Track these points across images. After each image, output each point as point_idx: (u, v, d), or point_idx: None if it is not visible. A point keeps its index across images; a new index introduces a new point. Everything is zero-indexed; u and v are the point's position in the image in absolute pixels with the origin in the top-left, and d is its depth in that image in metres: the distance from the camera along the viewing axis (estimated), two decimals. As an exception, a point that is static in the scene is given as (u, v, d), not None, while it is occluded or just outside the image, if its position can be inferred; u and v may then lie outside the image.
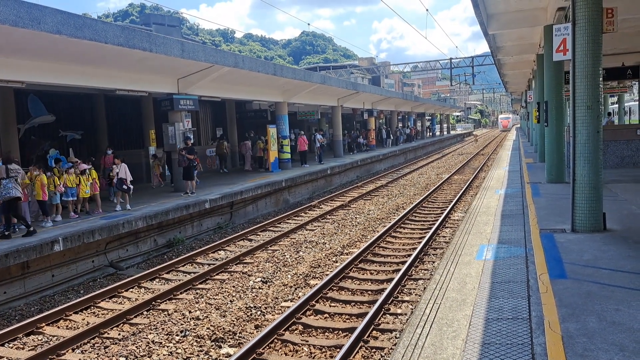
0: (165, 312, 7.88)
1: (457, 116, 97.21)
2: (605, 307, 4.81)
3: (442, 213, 14.26)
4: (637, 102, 29.44)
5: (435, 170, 27.57)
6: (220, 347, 6.50)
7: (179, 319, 7.47)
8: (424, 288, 8.00)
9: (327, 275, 9.29)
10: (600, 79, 7.77)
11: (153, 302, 8.30)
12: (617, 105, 35.05)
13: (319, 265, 10.05)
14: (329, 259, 10.50)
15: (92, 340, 7.00)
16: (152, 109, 18.10)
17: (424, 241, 10.95)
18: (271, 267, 10.08)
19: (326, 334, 6.88)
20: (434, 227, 12.29)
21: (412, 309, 7.24)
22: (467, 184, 19.64)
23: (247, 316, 7.50)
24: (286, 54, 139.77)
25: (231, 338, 6.74)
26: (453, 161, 32.76)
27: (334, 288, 8.64)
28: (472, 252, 7.56)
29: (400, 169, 28.88)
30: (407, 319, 6.84)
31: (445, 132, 65.52)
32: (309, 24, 42.35)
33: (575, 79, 7.80)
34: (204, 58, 13.90)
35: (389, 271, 9.50)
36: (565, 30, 7.94)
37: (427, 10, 26.17)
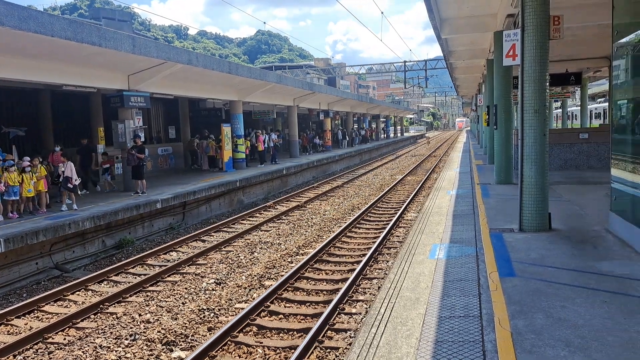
0: (114, 316, 7.60)
1: (411, 118, 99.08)
2: (552, 304, 4.98)
3: (396, 213, 14.47)
4: (580, 108, 30.93)
5: (390, 171, 27.97)
6: (171, 350, 6.32)
7: (129, 323, 7.22)
8: (379, 287, 8.08)
9: (282, 276, 9.24)
10: (547, 84, 8.07)
11: (101, 305, 8.00)
12: (560, 110, 36.63)
13: (274, 266, 9.98)
14: (284, 260, 10.44)
15: (36, 346, 6.67)
16: (101, 105, 17.48)
17: (378, 241, 11.08)
18: (225, 268, 9.93)
19: (281, 335, 6.83)
20: (388, 227, 12.46)
21: (366, 309, 7.29)
22: (420, 185, 20.02)
23: (200, 318, 7.34)
24: (241, 53, 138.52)
25: (183, 341, 6.58)
26: (406, 162, 33.33)
27: (289, 289, 8.61)
28: (425, 252, 7.69)
29: (356, 170, 29.13)
30: (362, 319, 6.88)
31: (399, 134, 66.61)
32: (264, 23, 42.02)
33: (523, 84, 8.07)
34: (156, 54, 13.53)
35: (344, 271, 9.55)
36: (515, 36, 8.21)
37: (382, 12, 26.48)
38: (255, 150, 24.07)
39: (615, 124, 8.25)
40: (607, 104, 28.09)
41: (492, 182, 15.06)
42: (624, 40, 7.42)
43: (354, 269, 9.35)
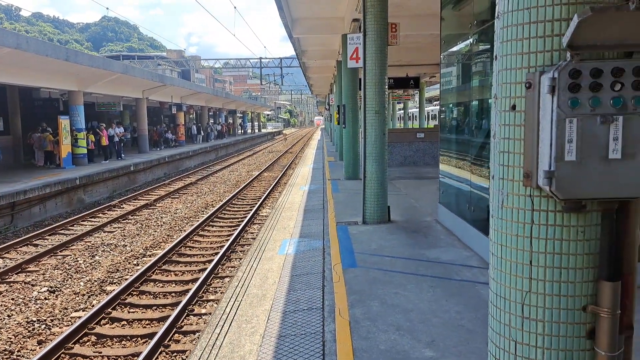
0: None
1: (268, 115, 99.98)
2: (387, 292, 5.37)
3: (251, 210, 14.47)
4: (418, 109, 34.02)
5: (247, 167, 27.91)
6: (-10, 372, 5.59)
7: None
8: (230, 285, 8.03)
9: (126, 279, 8.70)
10: (386, 86, 8.68)
11: None
12: (402, 112, 39.81)
13: (118, 270, 9.36)
14: (129, 263, 9.85)
15: None
16: None
17: (232, 238, 10.97)
18: (61, 274, 9.05)
19: (123, 342, 6.45)
20: (243, 224, 12.41)
21: (217, 308, 7.20)
22: (276, 181, 20.28)
23: (29, 331, 6.61)
24: (84, 39, 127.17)
25: (7, 358, 5.86)
26: (264, 159, 33.55)
27: (134, 293, 8.16)
28: (275, 247, 7.80)
29: (211, 166, 28.55)
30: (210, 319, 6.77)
31: (256, 130, 66.79)
32: (107, 9, 38.90)
33: (365, 86, 8.59)
34: (-25, 34, 11.83)
35: (195, 271, 9.30)
36: (358, 39, 8.69)
37: (235, 7, 26.24)
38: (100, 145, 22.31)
39: (442, 125, 9.18)
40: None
41: (342, 177, 15.81)
42: (449, 50, 8.27)
43: (205, 269, 9.15)
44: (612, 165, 1.72)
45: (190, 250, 10.71)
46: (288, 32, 13.94)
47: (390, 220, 9.02)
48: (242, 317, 4.93)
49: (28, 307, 7.47)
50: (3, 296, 7.96)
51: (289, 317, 4.86)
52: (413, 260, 6.57)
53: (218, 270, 9.15)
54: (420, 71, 24.28)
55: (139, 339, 6.55)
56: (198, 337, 6.26)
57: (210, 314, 7.06)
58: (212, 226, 12.87)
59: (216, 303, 7.44)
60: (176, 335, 6.60)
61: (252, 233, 11.86)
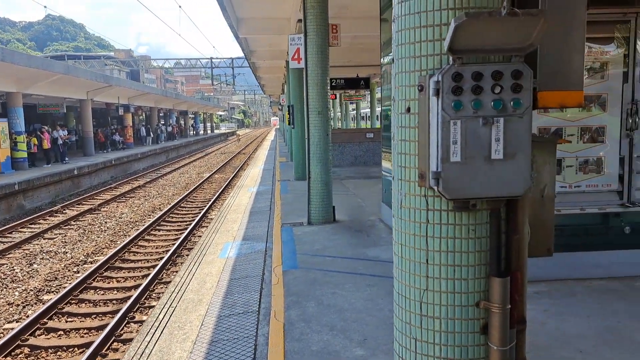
0: None
1: (221, 115, 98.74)
2: (324, 292, 5.38)
3: (200, 212, 14.25)
4: (370, 109, 34.44)
5: (197, 169, 27.47)
6: None
7: None
8: (167, 291, 7.89)
9: (64, 288, 8.40)
10: (328, 87, 8.72)
11: None
12: (355, 112, 40.18)
13: (56, 278, 9.03)
14: (69, 270, 9.53)
15: None
16: None
17: (178, 242, 10.79)
18: (-6, 284, 8.65)
19: (59, 353, 6.25)
20: (190, 227, 12.21)
21: (149, 315, 7.06)
22: (227, 182, 20.05)
23: (-46, 348, 6.26)
24: (27, 39, 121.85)
25: None
26: (215, 160, 33.11)
27: (73, 301, 7.90)
28: (217, 251, 7.70)
29: (161, 169, 27.94)
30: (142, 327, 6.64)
31: (209, 131, 65.85)
32: (45, 7, 37.37)
33: (308, 87, 8.60)
34: None
35: (139, 277, 9.09)
36: (299, 40, 8.69)
37: (180, 7, 25.74)
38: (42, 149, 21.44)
39: (383, 124, 9.32)
40: (392, 106, 31.63)
41: (292, 178, 15.77)
42: (388, 52, 8.40)
43: (149, 274, 8.95)
44: (495, 165, 1.77)
45: (134, 255, 10.46)
46: (234, 32, 13.79)
47: (335, 220, 9.06)
48: (175, 324, 4.83)
49: (-45, 321, 7.09)
50: None
51: (224, 321, 4.80)
52: (354, 259, 6.63)
53: (162, 275, 8.98)
54: (371, 72, 24.53)
55: (76, 349, 6.36)
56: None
57: (151, 320, 6.91)
58: (159, 230, 12.61)
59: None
60: (115, 343, 6.45)
61: (200, 236, 11.67)
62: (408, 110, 1.98)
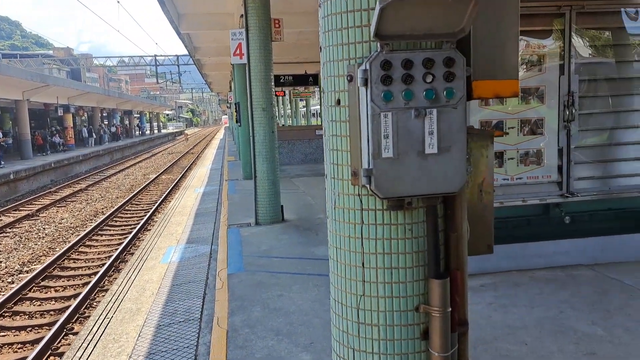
0: None
1: (168, 115, 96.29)
2: (271, 295, 5.20)
3: (145, 215, 13.75)
4: (319, 106, 34.43)
5: (143, 170, 26.61)
6: None
7: None
8: (102, 301, 7.52)
9: (-4, 300, 7.86)
10: (272, 83, 8.51)
11: None
12: (305, 109, 40.04)
13: (-13, 290, 8.43)
14: (2, 281, 8.96)
15: None
16: None
17: (121, 247, 10.35)
18: None
19: (-14, 373, 5.78)
20: (134, 231, 11.75)
21: (82, 328, 6.69)
22: (175, 183, 19.48)
23: None
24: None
25: None
26: (162, 160, 32.19)
27: (6, 314, 7.40)
28: (159, 256, 7.37)
29: (105, 171, 26.87)
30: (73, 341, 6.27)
31: (155, 131, 64.09)
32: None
33: (251, 83, 8.36)
34: None
35: (79, 285, 8.63)
36: (240, 35, 8.44)
37: (118, 2, 24.75)
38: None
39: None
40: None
41: (240, 177, 15.46)
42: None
43: (89, 282, 8.50)
44: (429, 160, 1.65)
45: (74, 263, 9.95)
46: (175, 28, 13.33)
47: (284, 219, 8.88)
48: (109, 336, 4.52)
49: None
50: None
51: (163, 331, 4.53)
52: (302, 259, 6.48)
53: (104, 282, 8.56)
54: (319, 68, 24.40)
55: (6, 367, 5.92)
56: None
57: (89, 332, 6.53)
58: (101, 235, 12.07)
59: (98, 319, 6.91)
60: (51, 357, 6.07)
61: (143, 240, 11.24)
62: (338, 102, 1.83)
